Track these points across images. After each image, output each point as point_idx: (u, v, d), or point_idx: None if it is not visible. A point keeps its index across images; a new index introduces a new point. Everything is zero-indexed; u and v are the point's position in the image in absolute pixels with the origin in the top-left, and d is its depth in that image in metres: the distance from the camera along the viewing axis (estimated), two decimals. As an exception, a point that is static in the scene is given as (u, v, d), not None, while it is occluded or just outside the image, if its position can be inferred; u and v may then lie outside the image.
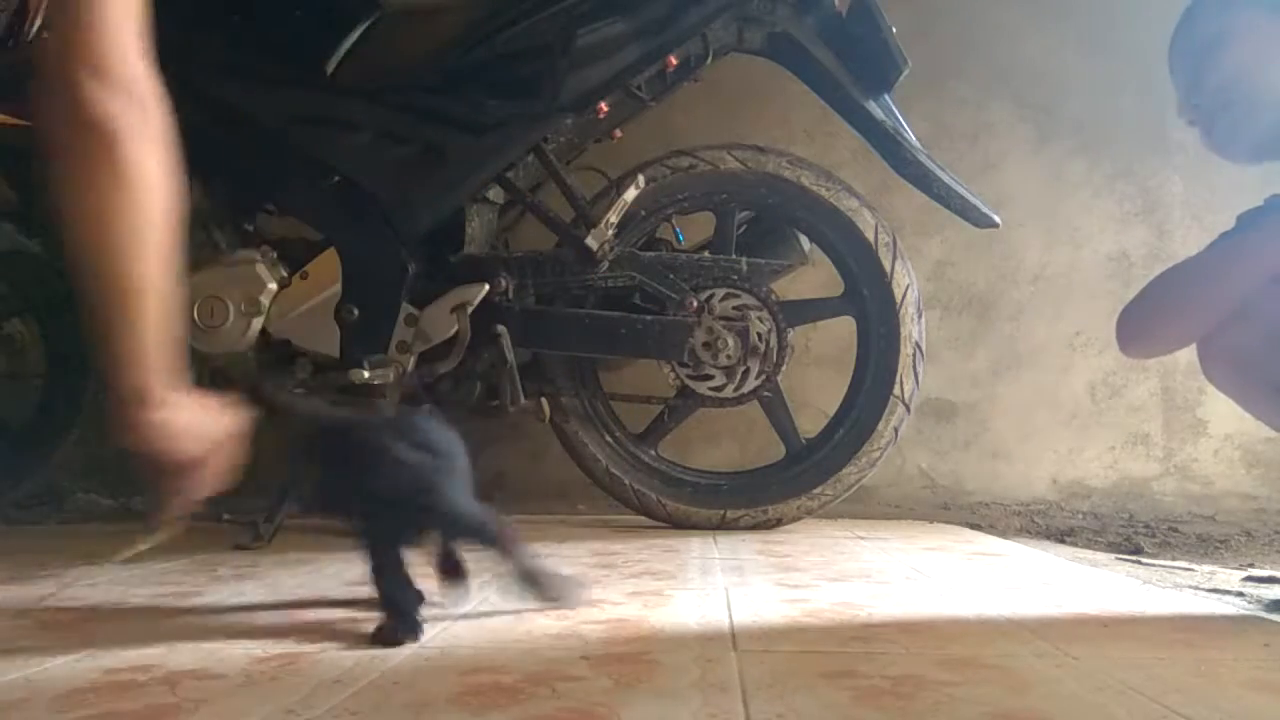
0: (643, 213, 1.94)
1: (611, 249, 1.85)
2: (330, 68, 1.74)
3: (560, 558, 1.56)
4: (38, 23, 1.36)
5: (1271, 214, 1.19)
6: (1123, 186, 2.62)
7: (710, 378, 1.93)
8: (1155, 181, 2.61)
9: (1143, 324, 1.26)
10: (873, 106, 1.84)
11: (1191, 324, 1.24)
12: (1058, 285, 2.61)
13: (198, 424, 0.99)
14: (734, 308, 1.91)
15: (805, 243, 2.05)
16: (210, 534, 1.88)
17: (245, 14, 1.75)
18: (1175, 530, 2.29)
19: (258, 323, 1.78)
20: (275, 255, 1.82)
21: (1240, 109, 1.19)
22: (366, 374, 1.75)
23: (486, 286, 1.80)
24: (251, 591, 1.24)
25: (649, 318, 1.89)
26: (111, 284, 0.90)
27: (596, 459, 1.98)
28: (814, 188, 1.94)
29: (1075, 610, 1.15)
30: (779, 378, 1.95)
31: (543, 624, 1.04)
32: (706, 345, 1.90)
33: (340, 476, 1.04)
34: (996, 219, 1.88)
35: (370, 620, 1.05)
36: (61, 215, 0.90)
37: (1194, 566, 1.69)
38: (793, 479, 2.00)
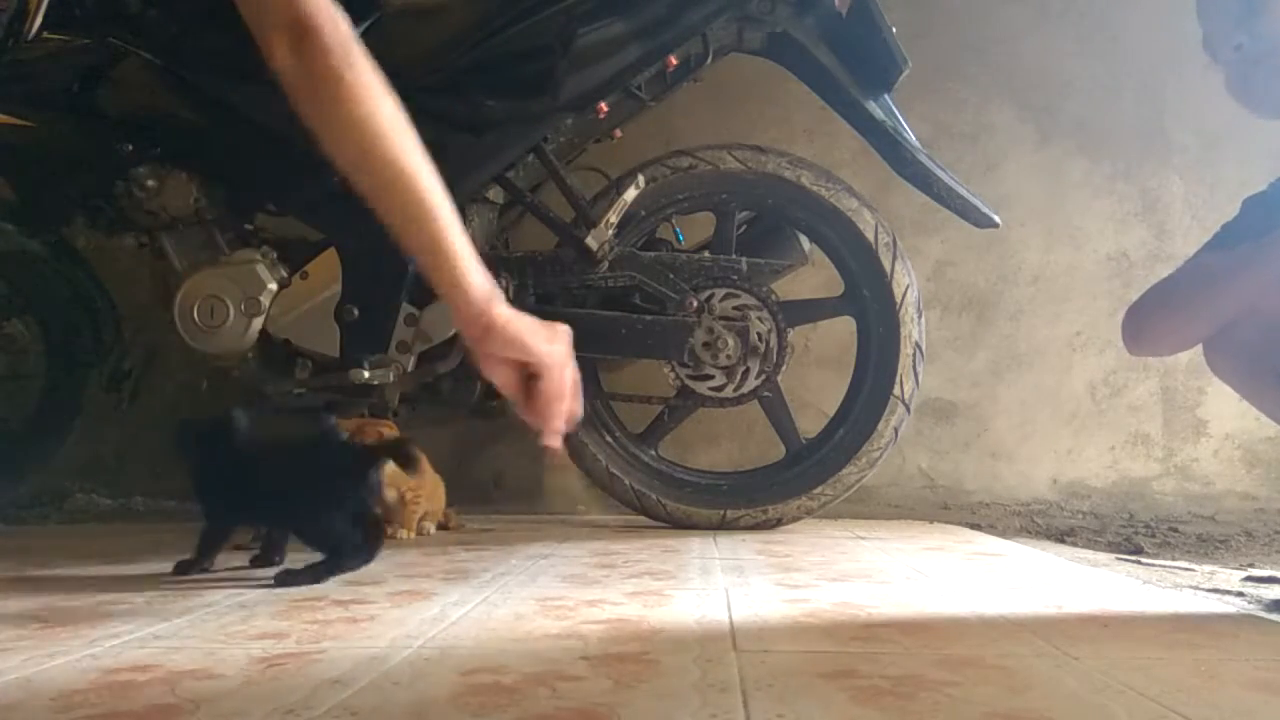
0: (643, 213, 1.94)
1: (611, 249, 1.85)
2: (330, 68, 1.73)
3: (560, 558, 1.56)
4: (38, 22, 1.36)
5: (1278, 204, 1.18)
6: (1123, 186, 2.62)
7: (710, 378, 1.93)
8: (1155, 181, 2.61)
9: (1149, 324, 1.26)
10: (873, 106, 1.84)
11: (1197, 328, 1.23)
12: (1058, 285, 2.61)
13: (542, 323, 1.00)
14: (734, 308, 1.91)
15: (805, 243, 2.05)
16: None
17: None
18: (1175, 530, 2.29)
19: (258, 323, 1.78)
20: (275, 255, 1.82)
21: None
22: (366, 374, 1.75)
23: (486, 286, 1.80)
24: (251, 591, 1.24)
25: (649, 318, 1.89)
26: (411, 184, 0.93)
27: (596, 459, 1.98)
28: (814, 188, 1.94)
29: (1075, 610, 1.15)
30: (779, 378, 1.95)
31: (543, 624, 1.04)
32: (706, 345, 1.90)
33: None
34: (996, 219, 1.89)
35: (368, 619, 1.05)
36: (345, 146, 0.94)
37: (1194, 566, 1.69)
38: (793, 479, 2.00)
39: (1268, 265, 1.12)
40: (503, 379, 1.00)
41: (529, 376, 0.99)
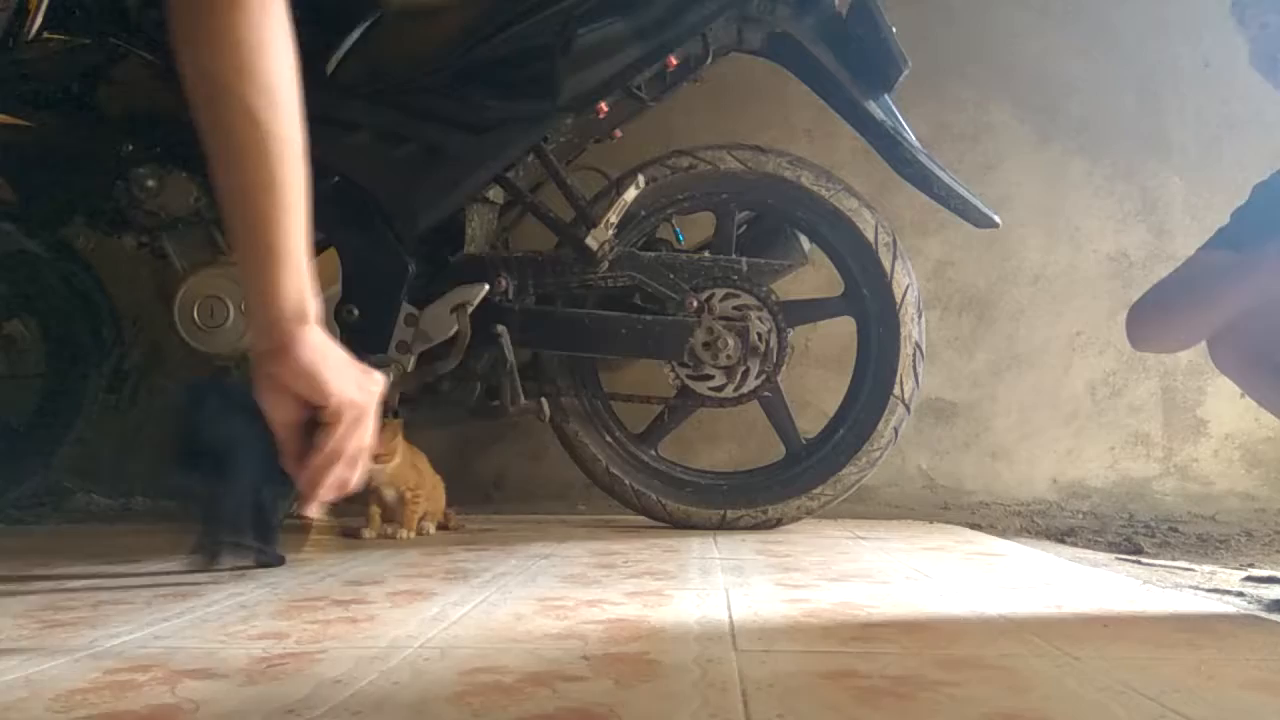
0: (643, 213, 1.94)
1: (611, 249, 1.85)
2: (330, 68, 1.74)
3: (560, 558, 1.56)
4: (38, 22, 1.36)
5: None
6: (1123, 186, 2.62)
7: (710, 378, 1.93)
8: (1155, 181, 2.61)
9: (1153, 321, 1.26)
10: (873, 106, 1.84)
11: (1200, 326, 1.23)
12: (1058, 285, 2.61)
13: (353, 363, 0.84)
14: (734, 308, 1.91)
15: (805, 243, 2.05)
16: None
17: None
18: (1175, 530, 2.29)
19: (258, 323, 1.78)
20: (275, 255, 1.81)
21: None
22: (366, 374, 1.75)
23: (486, 286, 1.80)
24: (251, 591, 1.24)
25: (649, 318, 1.89)
26: (260, 138, 0.77)
27: (596, 459, 1.98)
28: (814, 188, 1.94)
29: (1075, 610, 1.15)
30: (779, 378, 1.95)
31: (543, 624, 1.04)
32: (706, 345, 1.90)
33: None
34: (996, 219, 1.89)
35: (369, 620, 1.05)
36: (197, 58, 0.78)
37: (1194, 566, 1.69)
38: (793, 479, 2.00)
39: (1271, 269, 1.12)
40: (279, 413, 0.81)
41: (311, 422, 0.82)
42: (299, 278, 0.80)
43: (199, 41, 0.78)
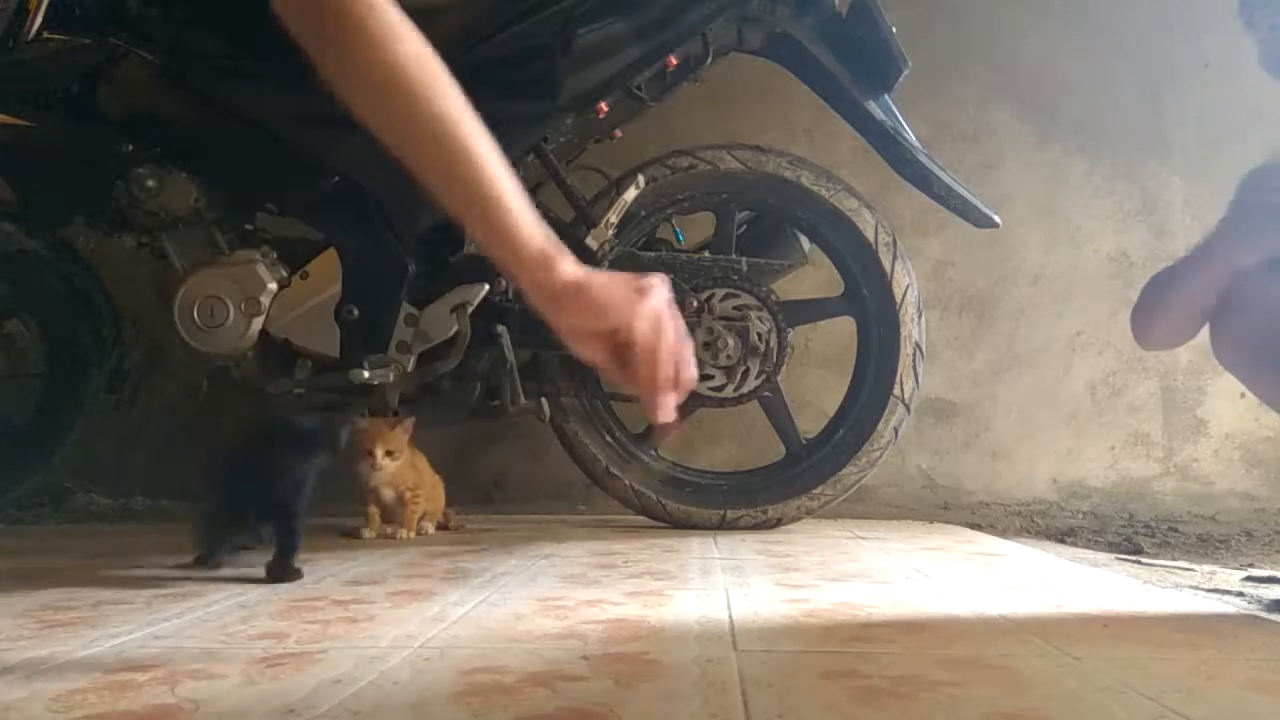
0: (643, 213, 1.94)
1: (611, 249, 1.85)
2: (330, 68, 1.73)
3: (560, 558, 1.56)
4: (38, 22, 1.36)
5: (1260, 186, 1.19)
6: (1123, 186, 2.62)
7: (710, 378, 1.93)
8: (1155, 181, 2.61)
9: (1147, 318, 1.27)
10: (873, 106, 1.84)
11: (1188, 316, 1.24)
12: (1058, 285, 2.61)
13: (620, 277, 0.84)
14: (734, 308, 1.91)
15: (805, 243, 2.05)
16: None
17: (244, 14, 1.75)
18: (1175, 530, 2.29)
19: (258, 323, 1.78)
20: (275, 255, 1.82)
21: None
22: (366, 374, 1.75)
23: (486, 286, 1.80)
24: (251, 591, 1.24)
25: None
26: (444, 134, 0.80)
27: (596, 459, 1.98)
28: (814, 188, 1.94)
29: (1075, 610, 1.15)
30: (779, 378, 1.95)
31: (543, 624, 1.04)
32: (707, 345, 1.90)
33: None
34: (996, 219, 1.89)
35: (369, 620, 1.05)
36: (356, 91, 0.82)
37: (1194, 566, 1.69)
38: (793, 479, 2.00)
39: (1225, 241, 1.14)
40: (591, 353, 0.84)
41: (622, 344, 0.83)
42: (534, 229, 0.82)
43: (348, 77, 0.82)
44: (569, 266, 0.82)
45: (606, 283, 0.83)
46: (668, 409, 0.83)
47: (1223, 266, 1.18)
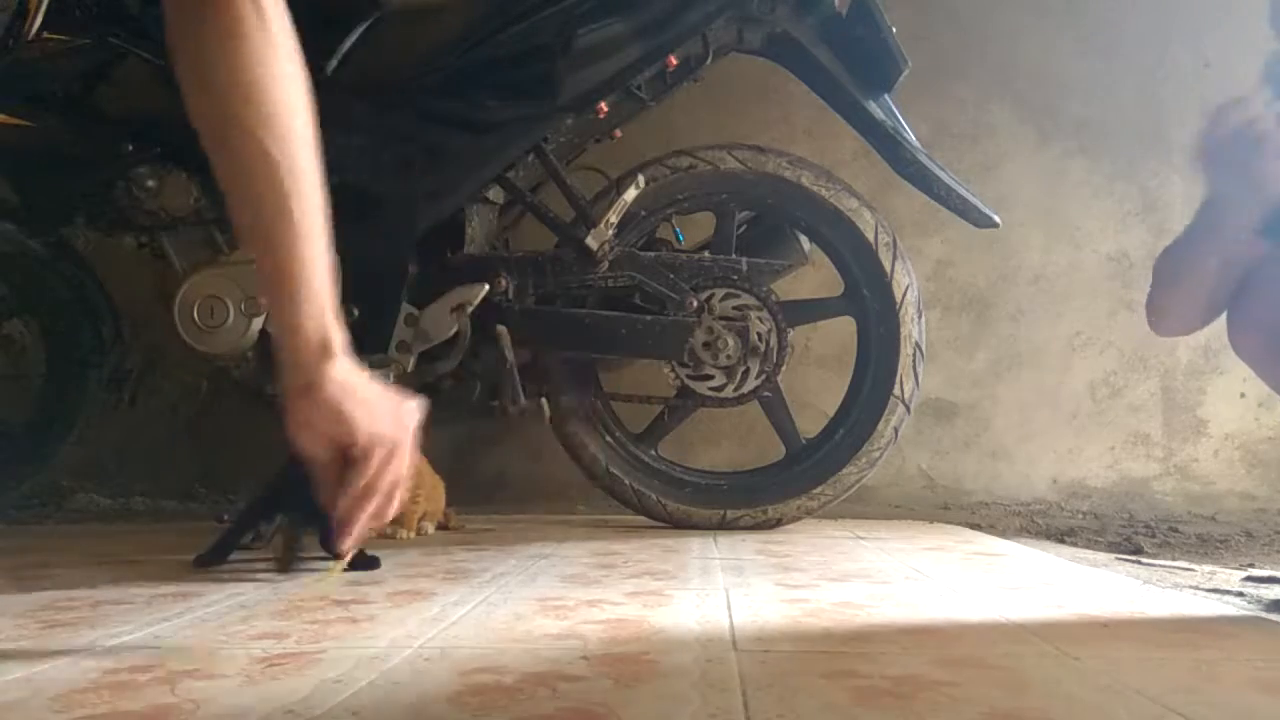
0: (643, 213, 1.94)
1: (611, 249, 1.85)
2: (330, 68, 1.74)
3: (560, 558, 1.56)
4: (37, 22, 1.36)
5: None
6: (1123, 186, 2.62)
7: (710, 378, 1.93)
8: (1155, 181, 2.61)
9: (1160, 303, 1.27)
10: (873, 106, 1.84)
11: (1192, 297, 1.24)
12: (1058, 285, 2.61)
13: (385, 395, 0.82)
14: (734, 308, 1.91)
15: (805, 243, 2.05)
16: (210, 534, 1.88)
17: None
18: (1175, 530, 2.29)
19: (258, 323, 1.78)
20: (275, 255, 1.81)
21: None
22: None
23: (486, 286, 1.80)
24: (251, 591, 1.24)
25: (649, 318, 1.89)
26: (271, 171, 0.76)
27: (596, 459, 1.98)
28: (814, 188, 1.94)
29: (1076, 610, 1.15)
30: (779, 378, 1.95)
31: (543, 624, 1.04)
32: (706, 345, 1.90)
33: None
34: (996, 219, 1.89)
35: (369, 620, 1.05)
36: (201, 93, 0.76)
37: (1194, 566, 1.69)
38: (793, 479, 2.00)
39: (1211, 219, 1.15)
40: (311, 450, 0.81)
41: (348, 459, 0.81)
42: (320, 311, 0.80)
43: (201, 76, 0.77)
44: (343, 367, 0.80)
45: (367, 396, 0.81)
46: (352, 539, 0.82)
47: (1225, 227, 1.18)
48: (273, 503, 1.40)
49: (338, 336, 0.81)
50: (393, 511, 0.84)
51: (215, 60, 0.76)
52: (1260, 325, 1.21)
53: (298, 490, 1.35)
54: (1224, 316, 1.26)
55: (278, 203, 0.77)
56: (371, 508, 0.82)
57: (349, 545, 0.84)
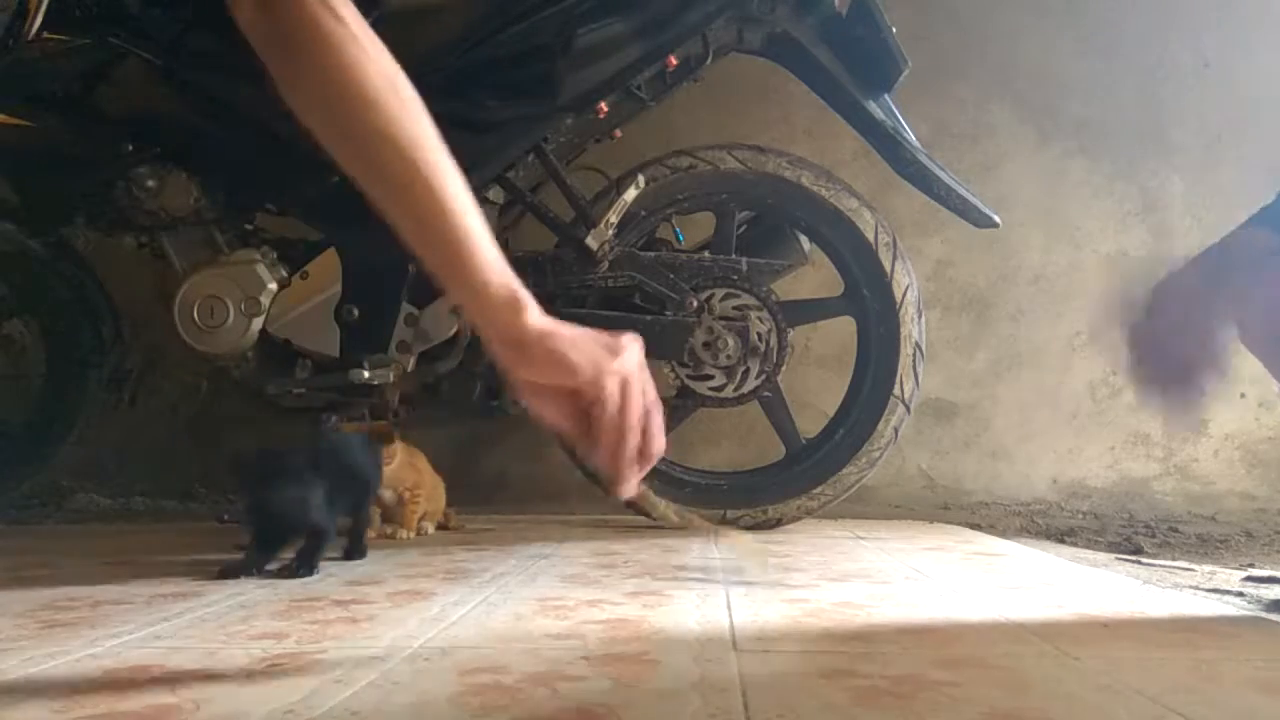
0: (643, 213, 1.94)
1: (611, 249, 1.85)
2: (330, 68, 1.73)
3: (560, 558, 1.56)
4: (37, 23, 1.36)
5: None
6: (1123, 186, 2.62)
7: (710, 377, 1.93)
8: (1155, 181, 2.61)
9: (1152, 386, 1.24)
10: (873, 106, 1.84)
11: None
12: (1058, 285, 2.61)
13: (593, 335, 0.78)
14: (734, 308, 1.91)
15: (805, 243, 2.05)
16: (210, 534, 1.88)
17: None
18: (1175, 530, 2.29)
19: (258, 323, 1.78)
20: (275, 255, 1.82)
21: None
22: (366, 374, 1.75)
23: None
24: (251, 591, 1.24)
25: (649, 318, 1.89)
26: (410, 166, 0.76)
27: (596, 457, 1.98)
28: (814, 188, 1.94)
29: (1076, 610, 1.15)
30: (779, 378, 1.95)
31: (543, 624, 1.04)
32: (706, 345, 1.90)
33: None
34: (996, 219, 1.89)
35: (369, 619, 1.05)
36: (327, 123, 0.77)
37: (1194, 566, 1.69)
38: (793, 479, 2.00)
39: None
40: (551, 413, 0.78)
41: (587, 406, 0.77)
42: (498, 267, 0.78)
43: (301, 90, 0.77)
44: (537, 314, 0.77)
45: (576, 336, 0.77)
46: (630, 483, 0.79)
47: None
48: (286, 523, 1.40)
49: (521, 288, 0.79)
50: (659, 445, 0.79)
51: (307, 70, 0.76)
52: (1270, 319, 1.20)
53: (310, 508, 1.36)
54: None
55: (425, 187, 0.77)
56: (633, 446, 0.78)
57: (630, 489, 0.79)
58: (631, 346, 0.79)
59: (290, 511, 1.35)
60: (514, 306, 0.77)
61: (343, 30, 0.75)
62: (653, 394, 0.80)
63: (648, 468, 0.79)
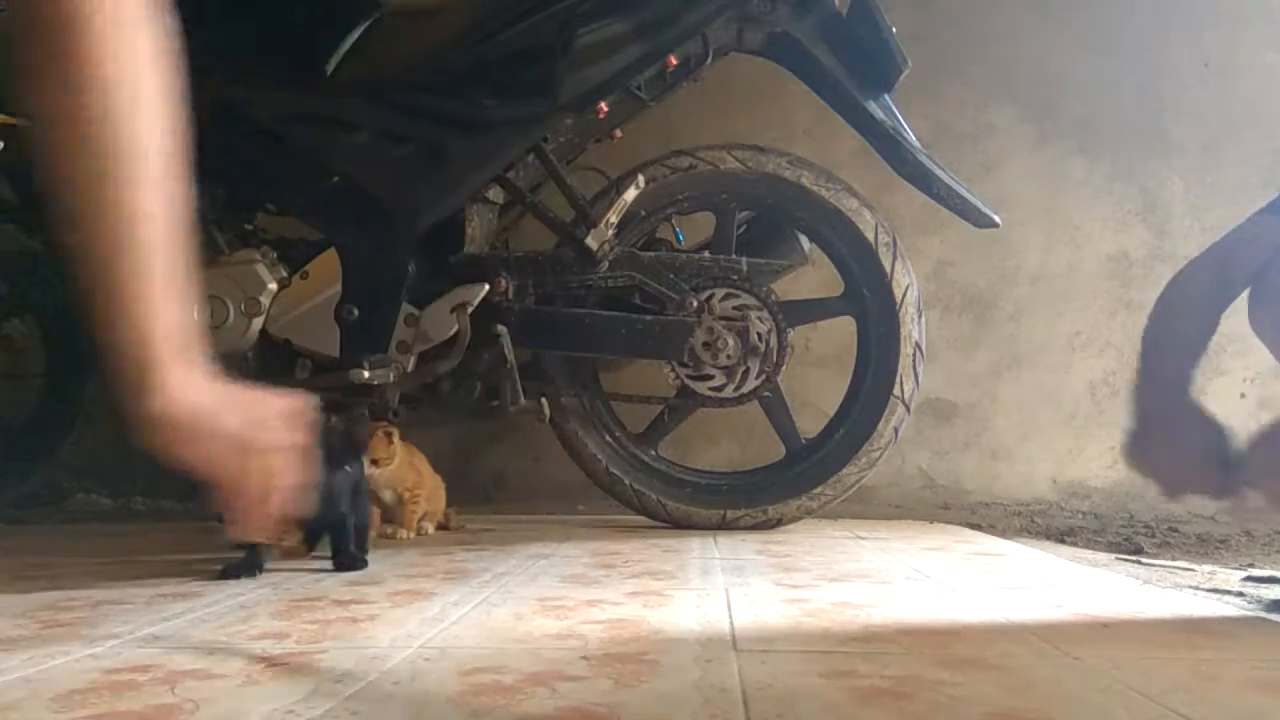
0: (643, 213, 1.94)
1: (611, 249, 1.85)
2: (330, 67, 1.74)
3: (560, 558, 1.56)
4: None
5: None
6: (1123, 186, 2.62)
7: (710, 378, 1.93)
8: (1155, 181, 2.61)
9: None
10: (873, 106, 1.84)
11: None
12: (1058, 285, 2.61)
13: (241, 415, 0.77)
14: (734, 308, 1.91)
15: (805, 243, 2.05)
16: (210, 534, 1.88)
17: (245, 13, 1.75)
18: (1175, 530, 2.29)
19: (258, 323, 1.78)
20: (275, 255, 1.82)
21: None
22: (366, 374, 1.75)
23: (486, 286, 1.80)
24: (251, 591, 1.24)
25: (649, 318, 1.89)
26: (99, 211, 0.69)
27: (596, 459, 1.98)
28: (814, 188, 1.94)
29: (1076, 610, 1.15)
30: (779, 378, 1.95)
31: (543, 624, 1.04)
32: (706, 345, 1.90)
33: None
34: (996, 219, 1.88)
35: (369, 619, 1.05)
36: (38, 130, 0.71)
37: (1194, 566, 1.69)
38: (793, 479, 2.00)
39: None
40: (185, 466, 0.78)
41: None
42: (141, 330, 0.73)
43: (57, 78, 0.70)
44: (174, 398, 0.73)
45: (211, 431, 0.75)
46: (237, 534, 0.86)
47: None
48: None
49: (165, 357, 0.73)
50: (279, 515, 0.82)
51: (38, 107, 0.70)
52: (1275, 305, 1.19)
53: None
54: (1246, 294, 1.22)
55: (105, 249, 0.70)
56: (253, 510, 0.81)
57: (236, 538, 0.91)
58: (277, 425, 0.80)
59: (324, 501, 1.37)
60: (145, 384, 0.73)
61: (99, 12, 0.69)
62: (285, 477, 0.81)
63: (265, 528, 0.84)
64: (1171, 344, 1.24)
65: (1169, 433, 1.19)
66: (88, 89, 0.68)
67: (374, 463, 1.76)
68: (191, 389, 0.75)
